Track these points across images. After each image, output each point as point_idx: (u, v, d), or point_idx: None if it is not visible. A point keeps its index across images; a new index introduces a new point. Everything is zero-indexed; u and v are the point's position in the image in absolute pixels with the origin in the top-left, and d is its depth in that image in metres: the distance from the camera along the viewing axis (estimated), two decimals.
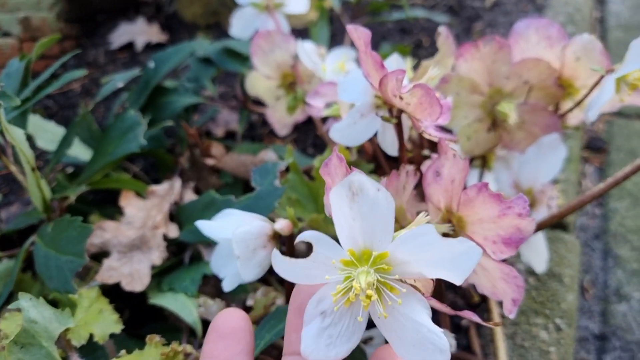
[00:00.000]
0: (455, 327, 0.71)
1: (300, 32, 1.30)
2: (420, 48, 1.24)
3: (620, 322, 0.75)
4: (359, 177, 0.32)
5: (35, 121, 0.87)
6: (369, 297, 0.33)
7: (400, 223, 0.54)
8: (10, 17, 1.29)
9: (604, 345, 0.73)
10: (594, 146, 1.03)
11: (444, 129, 0.64)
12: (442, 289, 0.55)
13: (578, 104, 0.64)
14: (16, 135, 0.63)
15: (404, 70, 0.47)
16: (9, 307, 0.53)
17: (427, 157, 0.74)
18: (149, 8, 1.48)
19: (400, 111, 0.53)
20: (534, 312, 0.71)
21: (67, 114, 1.18)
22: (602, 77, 0.60)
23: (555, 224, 0.83)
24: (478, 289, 0.52)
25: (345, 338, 0.36)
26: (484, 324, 0.42)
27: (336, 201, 0.33)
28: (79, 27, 1.40)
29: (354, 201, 0.33)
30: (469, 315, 0.45)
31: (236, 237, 0.48)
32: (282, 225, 0.52)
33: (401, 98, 0.49)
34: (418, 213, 0.57)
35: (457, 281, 0.32)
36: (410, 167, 0.54)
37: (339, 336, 0.36)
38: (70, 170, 0.93)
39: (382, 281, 0.34)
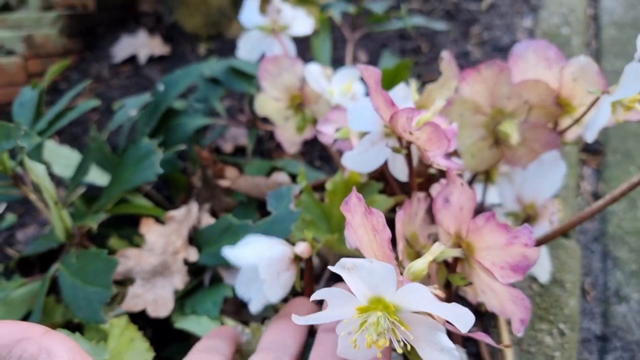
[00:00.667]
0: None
1: (302, 40, 1.32)
2: (420, 54, 1.26)
3: (620, 322, 0.78)
4: (352, 260, 0.36)
5: (49, 147, 0.89)
6: (382, 343, 0.37)
7: (414, 247, 0.57)
8: (13, 35, 1.31)
9: (606, 345, 0.76)
10: (591, 149, 1.06)
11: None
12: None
13: (576, 121, 0.67)
14: (38, 171, 0.66)
15: (414, 109, 0.50)
16: None
17: (433, 175, 0.77)
18: (148, 19, 1.50)
19: (410, 142, 0.56)
20: (539, 318, 0.74)
21: (75, 131, 1.20)
22: (598, 97, 0.63)
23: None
24: (487, 307, 0.55)
25: None
26: (497, 346, 0.45)
27: (339, 272, 0.37)
28: (81, 41, 1.42)
29: (353, 273, 0.37)
30: (482, 338, 0.49)
31: (262, 263, 0.52)
32: (302, 249, 0.56)
33: (411, 133, 0.52)
34: (429, 236, 0.61)
35: (462, 331, 0.36)
36: (421, 194, 0.57)
37: None
38: (82, 189, 0.96)
39: (395, 320, 0.38)
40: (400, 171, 0.61)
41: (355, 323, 0.39)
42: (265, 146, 1.03)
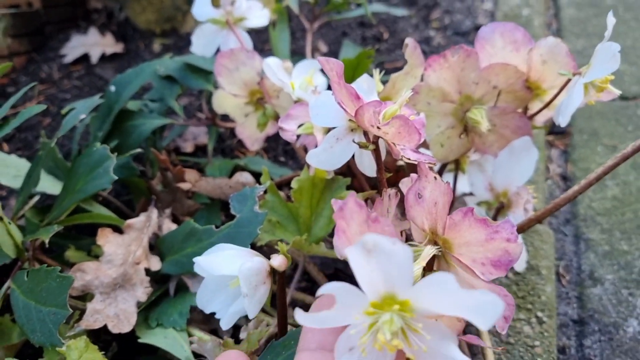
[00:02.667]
0: None
1: (259, 32, 1.28)
2: (381, 41, 1.24)
3: (596, 305, 0.78)
4: (373, 237, 0.32)
5: None
6: (395, 344, 0.34)
7: None
8: None
9: (584, 329, 0.76)
10: (558, 130, 1.05)
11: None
12: None
13: (547, 105, 0.65)
14: None
15: (379, 102, 0.47)
16: None
17: (402, 167, 0.75)
18: (99, 16, 1.43)
19: (378, 137, 0.53)
20: (517, 307, 0.73)
21: (24, 137, 1.14)
22: (569, 79, 0.61)
23: None
24: None
25: None
26: (489, 347, 0.43)
27: (354, 258, 0.33)
28: (27, 41, 1.34)
29: (371, 257, 0.33)
30: (474, 340, 0.47)
31: (242, 274, 0.48)
32: (278, 262, 0.51)
33: (378, 128, 0.49)
34: (402, 233, 0.58)
35: (483, 327, 0.32)
36: (392, 191, 0.54)
37: None
38: (35, 199, 0.90)
39: (407, 323, 0.35)
40: (368, 166, 0.58)
41: (364, 324, 0.35)
42: (227, 144, 0.99)
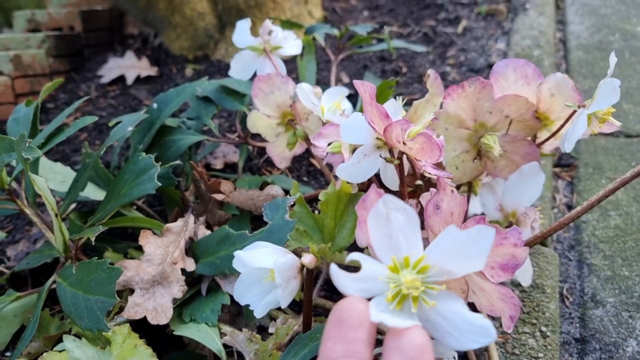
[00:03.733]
0: None
1: (286, 62, 1.37)
2: (399, 75, 1.31)
3: (598, 325, 0.83)
4: (390, 197, 0.39)
5: (43, 163, 0.91)
6: (416, 288, 0.39)
7: None
8: (1, 55, 1.32)
9: (585, 347, 0.80)
10: (564, 163, 1.12)
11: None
12: None
13: (554, 134, 0.72)
14: (40, 184, 0.67)
15: (407, 121, 0.54)
16: (56, 347, 0.58)
17: (419, 186, 0.81)
18: (134, 41, 1.52)
19: (402, 152, 0.59)
20: (522, 322, 0.78)
21: (62, 149, 1.21)
22: (574, 111, 0.68)
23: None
24: (477, 307, 0.58)
25: None
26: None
27: (374, 222, 0.39)
28: (67, 62, 1.44)
29: (389, 219, 0.39)
30: None
31: (277, 267, 0.54)
32: (309, 259, 0.58)
33: (404, 143, 0.55)
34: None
35: (480, 266, 0.38)
36: (412, 201, 0.60)
37: None
38: (74, 205, 0.97)
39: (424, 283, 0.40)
40: (391, 181, 0.65)
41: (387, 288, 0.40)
42: (254, 163, 1.06)
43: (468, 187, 0.82)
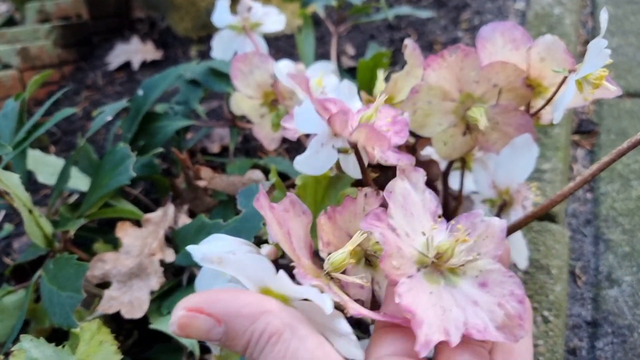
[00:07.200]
0: None
1: (289, 38, 1.32)
2: None
3: (612, 307, 0.76)
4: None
5: (35, 156, 0.91)
6: None
7: (363, 246, 0.55)
8: (9, 48, 1.33)
9: (597, 331, 0.75)
10: (584, 129, 1.03)
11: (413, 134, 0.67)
12: None
13: (548, 102, 0.65)
14: (10, 180, 0.67)
15: (348, 110, 0.50)
16: (13, 348, 0.57)
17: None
18: (142, 25, 1.51)
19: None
20: None
21: (70, 140, 1.22)
22: (566, 77, 0.61)
23: (543, 216, 0.84)
24: None
25: None
26: None
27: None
28: (75, 51, 1.44)
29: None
30: None
31: (227, 262, 0.51)
32: (267, 251, 0.55)
33: (350, 134, 0.51)
34: None
35: None
36: (369, 189, 0.56)
37: None
38: (73, 197, 0.97)
39: None
40: (352, 169, 0.60)
41: None
42: (252, 144, 1.03)
43: (461, 164, 0.76)
